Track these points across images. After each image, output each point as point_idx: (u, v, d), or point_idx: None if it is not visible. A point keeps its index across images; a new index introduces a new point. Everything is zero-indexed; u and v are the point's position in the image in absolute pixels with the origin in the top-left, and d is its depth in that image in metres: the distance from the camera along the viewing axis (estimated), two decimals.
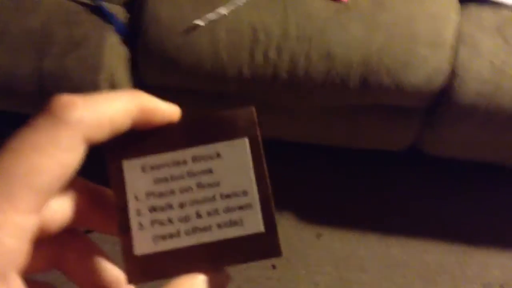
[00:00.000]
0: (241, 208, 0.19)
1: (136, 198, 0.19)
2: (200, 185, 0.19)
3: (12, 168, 0.16)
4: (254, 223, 0.19)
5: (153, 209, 0.19)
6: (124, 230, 0.19)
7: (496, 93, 0.88)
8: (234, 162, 0.19)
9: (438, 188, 1.18)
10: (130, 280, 0.19)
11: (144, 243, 0.19)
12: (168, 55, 0.89)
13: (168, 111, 0.20)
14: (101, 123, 0.17)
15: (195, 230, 0.19)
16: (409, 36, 0.87)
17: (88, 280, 0.21)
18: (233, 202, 0.19)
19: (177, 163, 0.20)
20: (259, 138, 0.20)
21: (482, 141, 0.99)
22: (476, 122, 0.92)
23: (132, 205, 0.19)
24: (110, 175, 0.20)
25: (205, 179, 0.19)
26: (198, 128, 0.20)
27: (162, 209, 0.19)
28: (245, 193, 0.19)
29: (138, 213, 0.19)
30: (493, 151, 1.04)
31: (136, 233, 0.19)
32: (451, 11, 0.90)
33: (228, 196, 0.19)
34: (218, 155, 0.20)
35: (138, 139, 0.20)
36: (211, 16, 0.87)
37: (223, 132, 0.20)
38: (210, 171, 0.19)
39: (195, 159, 0.20)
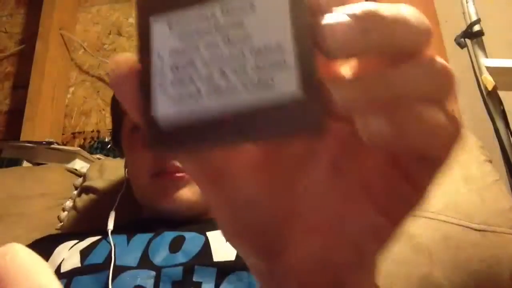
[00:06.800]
0: (272, 65, 0.16)
1: (160, 56, 0.17)
2: (227, 40, 0.16)
3: None
4: (286, 84, 0.16)
5: (175, 67, 0.17)
6: (145, 91, 0.17)
7: None
8: (269, 13, 0.16)
9: None
10: (149, 146, 0.17)
11: (163, 103, 0.17)
12: None
13: None
14: None
15: (217, 90, 0.16)
16: None
17: None
18: (264, 59, 0.16)
19: (205, 17, 0.17)
20: None
21: None
22: None
23: (154, 64, 0.17)
24: (137, 34, 0.18)
25: (234, 33, 0.16)
26: None
27: (184, 67, 0.17)
28: (279, 47, 0.16)
29: (160, 72, 0.17)
30: None
31: (156, 93, 0.17)
32: None
33: (258, 51, 0.16)
34: (252, 5, 0.16)
35: None
36: None
37: None
38: (240, 24, 0.16)
39: (225, 12, 0.17)
